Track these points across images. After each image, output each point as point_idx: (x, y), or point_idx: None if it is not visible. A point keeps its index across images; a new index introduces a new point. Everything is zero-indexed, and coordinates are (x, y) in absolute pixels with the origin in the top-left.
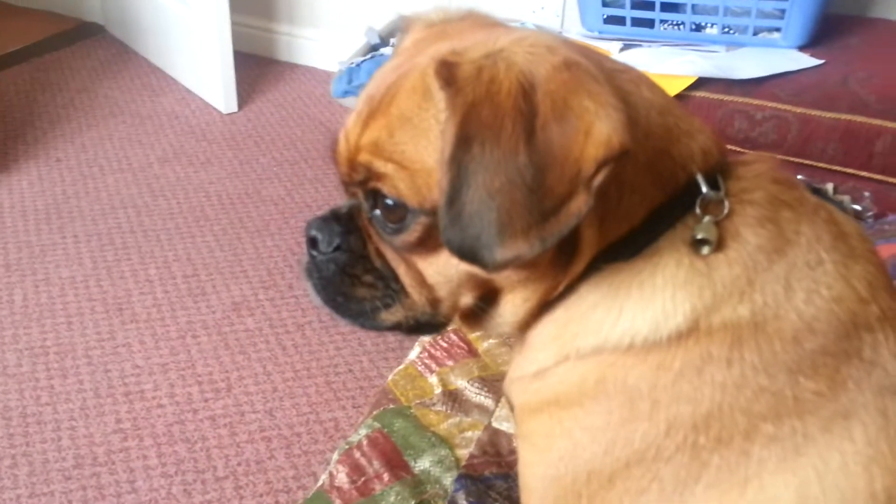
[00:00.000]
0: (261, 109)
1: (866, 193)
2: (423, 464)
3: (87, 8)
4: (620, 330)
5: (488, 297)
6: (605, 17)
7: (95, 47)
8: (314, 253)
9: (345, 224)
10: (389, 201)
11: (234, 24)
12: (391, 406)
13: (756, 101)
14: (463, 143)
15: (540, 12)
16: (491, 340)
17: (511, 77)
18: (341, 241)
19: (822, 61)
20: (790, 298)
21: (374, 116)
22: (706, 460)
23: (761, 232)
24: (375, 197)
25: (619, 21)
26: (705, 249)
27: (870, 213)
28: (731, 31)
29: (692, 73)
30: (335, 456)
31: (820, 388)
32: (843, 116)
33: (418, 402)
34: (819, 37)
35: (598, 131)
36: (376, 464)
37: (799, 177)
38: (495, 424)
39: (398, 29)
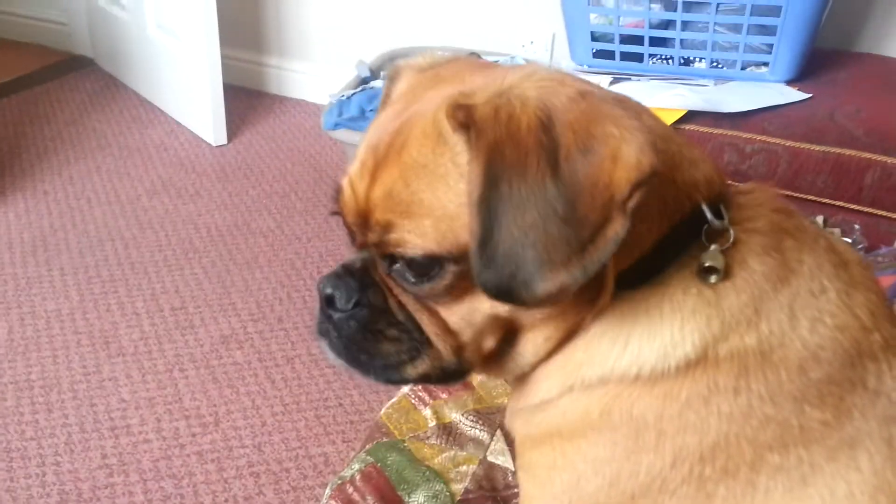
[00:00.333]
0: (250, 142)
1: (856, 226)
2: (417, 499)
3: (76, 41)
4: (627, 360)
5: (510, 339)
6: (594, 51)
7: (84, 80)
8: (331, 312)
9: (359, 278)
10: (416, 257)
11: (224, 56)
12: (384, 440)
13: (745, 135)
14: (490, 184)
15: (529, 46)
16: None
17: (528, 113)
18: (360, 296)
19: (809, 95)
20: (795, 327)
21: (384, 166)
22: (712, 492)
23: (767, 260)
24: (395, 256)
25: (609, 55)
26: (713, 278)
27: (860, 246)
28: (720, 66)
29: (682, 106)
30: (327, 491)
31: (826, 418)
32: (833, 150)
33: (412, 435)
34: (807, 71)
35: (626, 154)
36: (370, 499)
37: None
38: (490, 458)
39: (387, 75)
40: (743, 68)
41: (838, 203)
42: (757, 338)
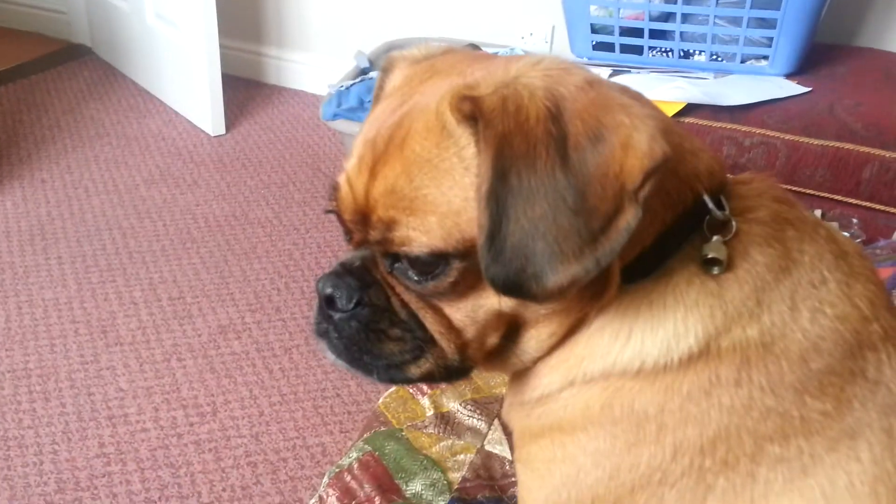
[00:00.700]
0: (249, 132)
1: (854, 220)
2: (414, 487)
3: (74, 29)
4: (630, 353)
5: (513, 335)
6: (594, 43)
7: (82, 69)
8: (331, 312)
9: (359, 277)
10: (421, 255)
11: (222, 47)
12: (382, 428)
13: (744, 128)
14: (499, 177)
15: (528, 38)
16: None
17: (536, 102)
18: (361, 295)
19: (809, 89)
20: (796, 318)
21: (384, 162)
22: (711, 483)
23: (769, 251)
24: (398, 254)
25: (609, 47)
26: (716, 269)
27: (858, 240)
28: (720, 59)
29: (681, 99)
30: (325, 479)
31: (826, 408)
32: (831, 143)
33: (410, 424)
34: (806, 65)
35: (637, 142)
36: (367, 487)
37: None
38: (488, 447)
39: (380, 67)
40: (743, 61)
41: (836, 197)
42: (759, 329)
